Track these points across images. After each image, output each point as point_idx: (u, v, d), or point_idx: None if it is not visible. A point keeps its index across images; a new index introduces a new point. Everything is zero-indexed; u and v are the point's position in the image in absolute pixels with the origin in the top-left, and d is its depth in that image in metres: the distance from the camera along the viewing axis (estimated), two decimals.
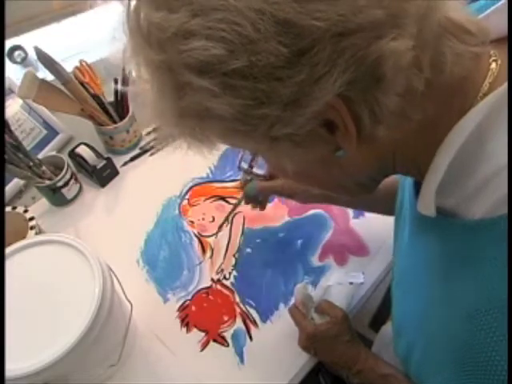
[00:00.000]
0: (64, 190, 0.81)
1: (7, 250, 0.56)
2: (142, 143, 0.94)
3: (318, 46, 0.25)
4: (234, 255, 0.75)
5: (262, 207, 0.73)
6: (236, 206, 0.74)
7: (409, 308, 0.42)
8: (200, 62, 0.26)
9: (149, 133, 0.96)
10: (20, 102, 0.89)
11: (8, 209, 0.74)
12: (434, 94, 0.31)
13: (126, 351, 0.60)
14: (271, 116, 0.28)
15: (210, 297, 0.70)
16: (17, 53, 0.96)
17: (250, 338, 0.66)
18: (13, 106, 0.88)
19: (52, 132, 0.92)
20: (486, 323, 0.30)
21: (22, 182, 0.85)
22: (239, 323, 0.67)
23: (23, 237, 0.70)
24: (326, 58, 0.26)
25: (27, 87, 0.76)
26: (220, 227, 0.77)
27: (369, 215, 0.79)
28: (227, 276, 0.73)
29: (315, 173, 0.39)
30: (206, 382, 0.62)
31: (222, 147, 0.92)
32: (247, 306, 0.69)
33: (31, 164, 0.76)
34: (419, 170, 0.35)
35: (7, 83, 0.87)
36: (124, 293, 0.62)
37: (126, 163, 0.91)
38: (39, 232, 0.74)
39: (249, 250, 0.76)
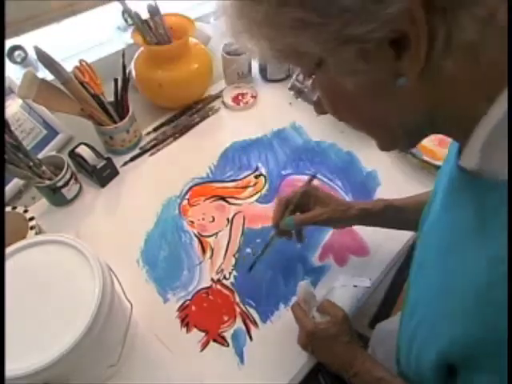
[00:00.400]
0: (64, 190, 0.81)
1: (7, 250, 0.56)
2: (142, 143, 0.94)
3: None
4: (233, 255, 0.75)
5: (300, 239, 0.71)
6: (269, 243, 0.69)
7: (425, 285, 0.42)
8: None
9: (149, 133, 0.96)
10: (20, 101, 0.89)
11: (8, 209, 0.74)
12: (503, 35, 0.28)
13: (126, 351, 0.60)
14: (351, 10, 0.27)
15: (210, 297, 0.70)
16: (17, 53, 0.96)
17: (250, 338, 0.66)
18: (13, 106, 0.88)
19: (52, 132, 0.92)
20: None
21: (21, 181, 0.85)
22: (239, 323, 0.67)
23: (23, 237, 0.70)
24: None
25: (27, 87, 0.76)
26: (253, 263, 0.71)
27: None
28: (227, 276, 0.73)
29: (367, 100, 0.36)
30: (206, 382, 0.62)
31: (224, 145, 0.92)
32: (247, 306, 0.69)
33: (31, 164, 0.76)
34: (467, 126, 0.33)
35: (7, 83, 0.87)
36: (124, 293, 0.62)
37: (126, 163, 0.91)
38: (39, 232, 0.74)
39: (249, 250, 0.76)
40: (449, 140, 0.41)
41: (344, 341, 0.58)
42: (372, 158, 0.88)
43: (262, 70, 1.08)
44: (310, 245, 0.76)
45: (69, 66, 0.82)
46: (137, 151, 0.93)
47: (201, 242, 0.77)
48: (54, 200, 0.82)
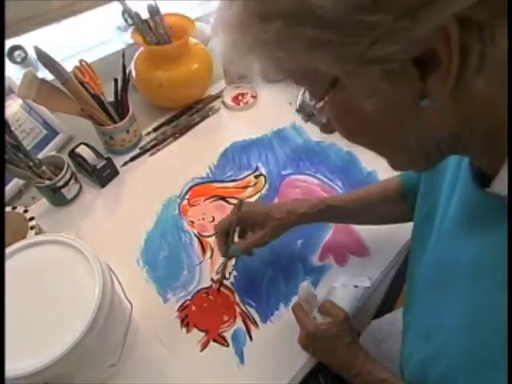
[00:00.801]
0: (64, 190, 0.81)
1: (7, 250, 0.56)
2: (142, 143, 0.94)
3: None
4: None
5: (250, 255, 0.70)
6: (224, 268, 0.69)
7: (448, 311, 0.39)
8: None
9: (149, 133, 0.96)
10: (20, 101, 0.89)
11: (8, 209, 0.74)
12: None
13: (126, 351, 0.60)
14: (380, 27, 0.24)
15: (210, 297, 0.70)
16: (17, 53, 0.96)
17: (250, 338, 0.66)
18: (13, 106, 0.88)
19: (52, 132, 0.92)
20: None
21: (21, 181, 0.85)
22: (239, 323, 0.67)
23: (23, 237, 0.70)
24: None
25: (27, 87, 0.76)
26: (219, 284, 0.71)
27: None
28: (227, 276, 0.73)
29: (386, 122, 0.33)
30: (205, 382, 0.62)
31: (224, 145, 0.92)
32: (247, 306, 0.69)
33: (31, 164, 0.76)
34: (496, 145, 0.31)
35: (7, 83, 0.87)
36: (124, 293, 0.62)
37: (126, 163, 0.91)
38: (39, 232, 0.74)
39: None
40: None
41: (345, 341, 0.58)
42: (372, 158, 0.87)
43: None
44: (310, 245, 0.76)
45: (69, 66, 0.82)
46: (137, 151, 0.93)
47: (201, 242, 0.77)
48: (54, 200, 0.82)
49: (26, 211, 0.74)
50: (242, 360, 0.64)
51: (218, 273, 0.72)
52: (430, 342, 0.41)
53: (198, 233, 0.79)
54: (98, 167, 0.83)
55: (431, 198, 0.49)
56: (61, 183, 0.79)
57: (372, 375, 0.54)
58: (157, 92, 0.95)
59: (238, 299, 0.70)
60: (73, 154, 0.85)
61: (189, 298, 0.70)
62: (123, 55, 0.85)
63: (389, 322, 0.67)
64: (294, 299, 0.69)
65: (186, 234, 0.78)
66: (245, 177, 0.88)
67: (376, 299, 0.72)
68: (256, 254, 0.70)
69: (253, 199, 0.84)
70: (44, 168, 0.79)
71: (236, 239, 0.68)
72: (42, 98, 0.78)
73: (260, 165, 0.90)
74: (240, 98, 1.03)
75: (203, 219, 0.81)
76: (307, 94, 0.38)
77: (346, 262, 0.74)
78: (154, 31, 0.88)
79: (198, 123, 0.98)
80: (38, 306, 0.52)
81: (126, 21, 1.06)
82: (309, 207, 0.66)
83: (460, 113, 0.31)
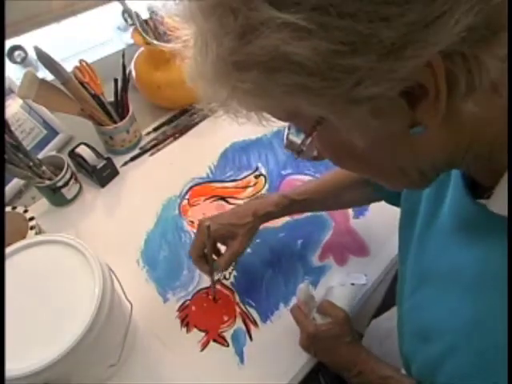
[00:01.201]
0: (64, 190, 0.81)
1: (7, 250, 0.56)
2: (142, 143, 0.94)
3: None
4: None
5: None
6: (214, 285, 0.69)
7: (450, 311, 0.38)
8: None
9: (149, 133, 0.96)
10: (20, 101, 0.89)
11: (8, 209, 0.74)
12: None
13: (126, 351, 0.60)
14: (361, 69, 0.23)
15: (210, 297, 0.70)
16: (17, 53, 0.96)
17: (250, 338, 0.66)
18: (13, 106, 0.88)
19: (52, 132, 0.92)
20: None
21: (22, 181, 0.85)
22: (239, 323, 0.67)
23: (23, 237, 0.70)
24: None
25: (27, 87, 0.76)
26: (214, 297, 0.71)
27: (369, 215, 0.79)
28: (227, 276, 0.73)
29: (378, 152, 0.33)
30: (205, 382, 0.62)
31: (224, 145, 0.92)
32: (247, 306, 0.69)
33: (31, 164, 0.76)
34: (492, 164, 0.31)
35: (7, 83, 0.87)
36: (124, 293, 0.62)
37: (126, 163, 0.91)
38: (39, 232, 0.74)
39: (249, 249, 0.76)
40: None
41: (346, 341, 0.58)
42: None
43: None
44: (310, 245, 0.76)
45: (69, 66, 0.82)
46: (137, 151, 0.93)
47: None
48: (54, 200, 0.82)
49: (26, 211, 0.74)
50: (241, 360, 0.64)
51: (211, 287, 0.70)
52: (430, 343, 0.41)
53: None
54: (98, 167, 0.83)
55: (414, 197, 0.49)
56: (61, 183, 0.79)
57: (375, 373, 0.54)
58: (157, 92, 0.94)
59: (238, 299, 0.70)
60: (73, 154, 0.85)
61: (189, 297, 0.70)
62: (123, 55, 0.85)
63: (387, 318, 0.67)
64: (294, 299, 0.69)
65: (186, 234, 0.78)
66: (245, 177, 0.88)
67: (376, 299, 0.72)
68: (256, 254, 0.70)
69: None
70: (44, 168, 0.79)
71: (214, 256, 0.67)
72: (42, 98, 0.78)
73: (260, 165, 0.90)
74: None
75: None
76: (293, 130, 0.38)
77: (346, 262, 0.74)
78: (154, 31, 0.89)
79: (197, 123, 0.98)
80: (37, 305, 0.52)
81: (125, 21, 1.06)
82: (273, 205, 0.66)
83: (452, 134, 0.30)
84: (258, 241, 0.76)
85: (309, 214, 0.79)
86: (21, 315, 0.51)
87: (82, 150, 0.83)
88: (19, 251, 0.56)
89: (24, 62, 0.97)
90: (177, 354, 0.65)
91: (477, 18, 0.22)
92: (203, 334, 0.66)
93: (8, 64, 0.95)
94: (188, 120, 0.99)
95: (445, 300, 0.40)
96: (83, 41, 1.04)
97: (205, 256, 0.65)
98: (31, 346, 0.49)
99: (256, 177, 0.88)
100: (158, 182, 0.87)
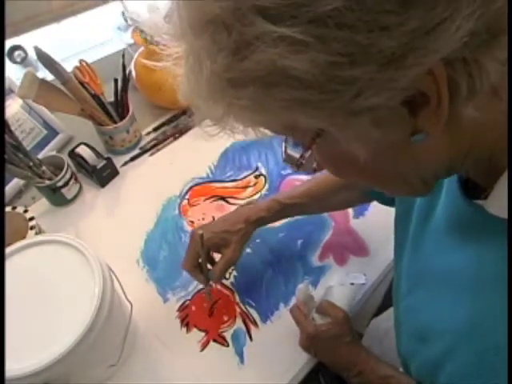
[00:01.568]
0: (64, 190, 0.81)
1: (7, 250, 0.56)
2: (142, 143, 0.94)
3: None
4: None
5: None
6: (210, 293, 0.69)
7: (447, 312, 0.38)
8: (279, 4, 0.21)
9: (149, 133, 0.96)
10: (20, 101, 0.89)
11: (8, 209, 0.74)
12: None
13: (126, 351, 0.60)
14: (361, 80, 0.23)
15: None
16: (17, 53, 0.96)
17: (250, 338, 0.66)
18: (13, 106, 0.88)
19: (52, 132, 0.92)
20: None
21: (22, 181, 0.85)
22: (239, 323, 0.67)
23: (23, 237, 0.70)
24: None
25: (27, 87, 0.76)
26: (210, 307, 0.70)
27: (369, 215, 0.79)
28: (227, 276, 0.73)
29: (380, 162, 0.32)
30: (205, 382, 0.62)
31: (224, 145, 0.92)
32: (247, 306, 0.69)
33: (31, 164, 0.76)
34: (491, 168, 0.31)
35: (7, 83, 0.87)
36: (124, 293, 0.62)
37: (126, 163, 0.91)
38: (39, 232, 0.74)
39: (249, 250, 0.76)
40: None
41: (346, 341, 0.58)
42: None
43: None
44: (310, 245, 0.76)
45: (69, 66, 0.82)
46: (137, 151, 0.93)
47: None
48: (54, 200, 0.82)
49: (26, 211, 0.74)
50: (242, 360, 0.64)
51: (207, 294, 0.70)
52: (429, 344, 0.41)
53: None
54: (98, 167, 0.83)
55: (408, 198, 0.49)
56: (61, 183, 0.79)
57: (375, 373, 0.54)
58: (157, 92, 0.94)
59: (238, 299, 0.70)
60: (73, 154, 0.85)
61: (189, 297, 0.70)
62: (123, 55, 0.85)
63: (386, 318, 0.67)
64: (294, 299, 0.69)
65: (186, 234, 0.78)
66: (245, 177, 0.88)
67: (376, 299, 0.72)
68: (256, 254, 0.70)
69: (253, 199, 0.84)
70: (44, 168, 0.79)
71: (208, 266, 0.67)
72: (42, 98, 0.78)
73: (260, 165, 0.90)
74: None
75: (203, 219, 0.81)
76: (291, 142, 0.37)
77: (346, 261, 0.74)
78: None
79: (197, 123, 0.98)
80: (37, 306, 0.52)
81: (126, 21, 1.06)
82: (265, 210, 0.66)
83: (453, 140, 0.30)
84: (257, 241, 0.77)
85: None
86: (21, 315, 0.51)
87: (82, 150, 0.83)
88: (19, 251, 0.56)
89: (24, 61, 0.97)
90: (177, 354, 0.65)
91: (478, 23, 0.21)
92: (203, 333, 0.67)
93: (8, 64, 0.95)
94: (188, 120, 0.98)
95: (440, 301, 0.40)
96: (83, 41, 1.04)
97: (199, 266, 0.65)
98: (31, 346, 0.49)
99: (256, 177, 0.88)
100: (158, 181, 0.87)
